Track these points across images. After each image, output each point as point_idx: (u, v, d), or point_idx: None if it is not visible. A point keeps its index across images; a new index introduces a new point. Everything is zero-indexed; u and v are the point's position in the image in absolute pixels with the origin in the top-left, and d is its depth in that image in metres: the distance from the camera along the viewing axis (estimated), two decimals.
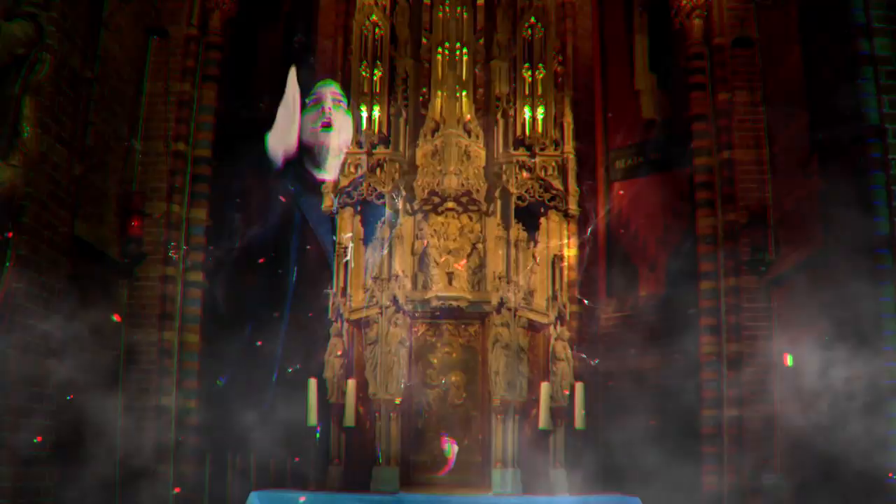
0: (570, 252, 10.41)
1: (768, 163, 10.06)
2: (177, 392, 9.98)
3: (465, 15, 9.82)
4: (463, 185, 9.27)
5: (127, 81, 9.64)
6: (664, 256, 11.64)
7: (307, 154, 5.72)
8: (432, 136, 9.48)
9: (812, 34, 8.00)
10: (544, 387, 9.07)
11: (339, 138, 5.42)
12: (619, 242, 12.18)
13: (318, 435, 9.08)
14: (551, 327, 9.56)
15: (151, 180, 10.15)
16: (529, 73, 10.00)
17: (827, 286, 7.42)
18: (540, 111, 9.88)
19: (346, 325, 9.48)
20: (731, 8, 10.53)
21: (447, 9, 9.74)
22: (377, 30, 10.02)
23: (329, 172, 5.74)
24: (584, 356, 9.81)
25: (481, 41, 10.14)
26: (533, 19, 10.07)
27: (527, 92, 9.98)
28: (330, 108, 5.43)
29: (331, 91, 5.68)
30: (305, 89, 9.92)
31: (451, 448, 8.86)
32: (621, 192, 12.32)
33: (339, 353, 9.40)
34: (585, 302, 11.02)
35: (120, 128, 9.41)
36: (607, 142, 12.51)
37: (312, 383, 8.99)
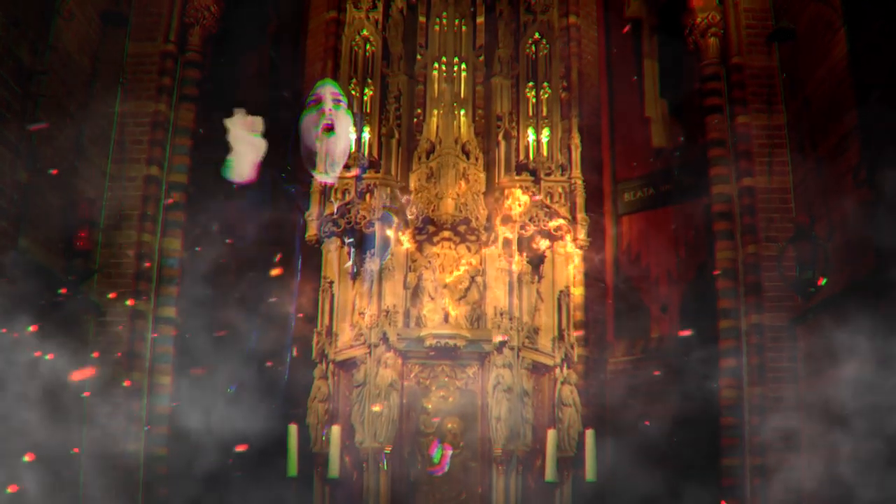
0: (577, 291, 9.71)
1: (792, 190, 9.44)
2: (145, 438, 9.13)
3: (463, 28, 9.31)
4: (461, 210, 8.77)
5: (84, 79, 8.80)
6: (678, 294, 10.94)
7: (307, 157, 5.29)
8: (427, 158, 8.94)
9: (860, 26, 7.26)
10: (551, 434, 8.45)
11: (341, 140, 5.04)
12: (628, 280, 11.40)
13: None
14: (557, 370, 9.05)
15: (122, 207, 9.38)
16: (533, 92, 9.52)
17: (876, 315, 6.60)
18: (545, 133, 9.40)
19: (331, 366, 8.92)
20: (749, 26, 9.96)
21: (444, 21, 9.20)
22: (368, 46, 9.50)
23: (330, 175, 5.38)
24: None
25: (481, 58, 9.62)
26: (537, 35, 9.63)
27: (530, 113, 9.52)
28: (330, 109, 4.98)
29: (330, 91, 5.26)
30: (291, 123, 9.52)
31: (440, 451, 8.35)
32: (630, 226, 11.51)
33: (323, 397, 8.83)
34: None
35: (72, 130, 8.53)
36: (615, 173, 11.78)
37: (293, 430, 8.44)
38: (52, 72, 7.91)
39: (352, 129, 8.85)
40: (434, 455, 8.35)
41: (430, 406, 8.65)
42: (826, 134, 8.48)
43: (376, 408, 8.06)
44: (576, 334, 9.49)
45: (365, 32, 9.52)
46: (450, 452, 8.30)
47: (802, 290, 8.60)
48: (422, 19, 9.78)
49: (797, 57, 9.14)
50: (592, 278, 10.72)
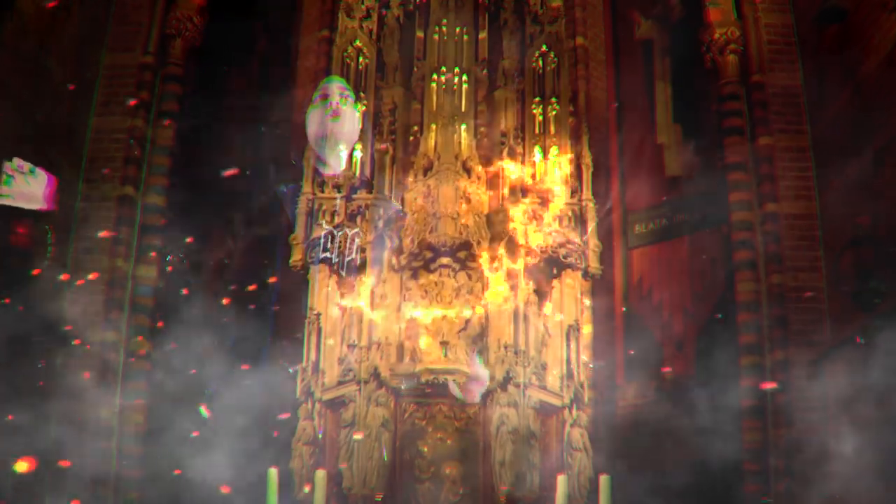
0: (585, 329, 9.20)
1: (819, 216, 9.01)
2: (116, 481, 8.50)
3: (465, 38, 8.86)
4: (461, 232, 8.28)
5: (41, 59, 8.13)
6: (694, 331, 10.39)
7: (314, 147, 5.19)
8: (424, 175, 8.51)
9: None
10: (561, 480, 7.87)
11: (347, 130, 4.85)
12: (639, 317, 10.77)
13: None
14: (566, 411, 8.48)
15: (94, 229, 8.81)
16: (540, 108, 9.09)
17: None
18: (553, 152, 8.87)
19: (317, 405, 8.36)
20: (770, 42, 9.59)
21: (444, 30, 8.70)
22: (361, 58, 9.07)
23: (334, 167, 5.17)
24: None
25: (485, 71, 9.12)
26: (545, 47, 9.22)
27: (537, 130, 9.02)
28: (337, 103, 4.79)
29: (338, 86, 5.09)
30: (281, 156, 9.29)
31: None
32: (641, 259, 10.90)
33: (308, 439, 8.26)
34: None
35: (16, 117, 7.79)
36: (624, 204, 11.20)
37: (273, 474, 7.70)
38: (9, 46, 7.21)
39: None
40: None
41: (426, 449, 8.08)
42: (881, 128, 7.87)
43: (357, 436, 7.55)
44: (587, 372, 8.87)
45: (358, 43, 9.04)
46: None
47: (867, 301, 7.93)
48: (419, 34, 9.29)
49: (848, 40, 8.61)
50: (601, 315, 10.08)
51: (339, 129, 5.35)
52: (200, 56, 9.85)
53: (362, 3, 9.21)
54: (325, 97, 5.49)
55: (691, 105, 10.71)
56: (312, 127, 5.49)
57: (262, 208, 9.29)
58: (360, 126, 8.57)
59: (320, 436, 8.17)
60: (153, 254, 8.92)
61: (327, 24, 10.34)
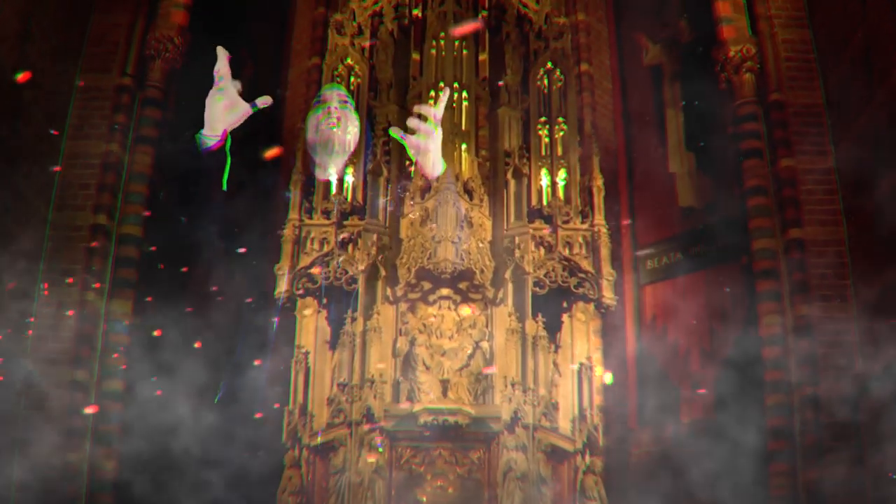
0: (597, 371, 8.74)
1: (847, 241, 8.51)
2: None
3: (464, 52, 8.55)
4: (462, 258, 7.73)
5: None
6: (712, 371, 9.78)
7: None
8: (422, 197, 8.02)
9: None
10: None
11: (346, 135, 4.59)
12: (654, 358, 10.17)
13: None
14: (579, 456, 7.96)
15: (64, 260, 8.27)
16: (546, 129, 8.68)
17: None
18: (561, 175, 8.45)
19: (304, 451, 7.83)
20: (788, 58, 9.14)
21: (442, 44, 8.27)
22: (353, 77, 8.76)
23: (330, 172, 4.91)
24: None
25: (486, 88, 8.75)
26: (550, 64, 8.88)
27: (543, 152, 8.59)
28: (336, 108, 4.53)
29: (337, 93, 4.89)
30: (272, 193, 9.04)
31: None
32: (654, 296, 10.38)
33: (294, 488, 7.72)
34: None
35: None
36: (635, 238, 10.67)
37: None
38: None
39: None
40: None
41: (424, 498, 7.53)
42: None
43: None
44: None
45: (349, 61, 8.67)
46: None
47: None
48: (415, 56, 8.85)
49: (873, 49, 8.11)
50: (613, 355, 9.57)
51: (339, 134, 5.08)
52: (181, 79, 9.37)
53: (354, 19, 8.84)
54: (324, 103, 5.24)
55: (705, 130, 10.24)
56: (310, 132, 5.26)
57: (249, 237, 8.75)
58: (354, 146, 8.16)
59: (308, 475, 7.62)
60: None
61: (318, 51, 9.96)
